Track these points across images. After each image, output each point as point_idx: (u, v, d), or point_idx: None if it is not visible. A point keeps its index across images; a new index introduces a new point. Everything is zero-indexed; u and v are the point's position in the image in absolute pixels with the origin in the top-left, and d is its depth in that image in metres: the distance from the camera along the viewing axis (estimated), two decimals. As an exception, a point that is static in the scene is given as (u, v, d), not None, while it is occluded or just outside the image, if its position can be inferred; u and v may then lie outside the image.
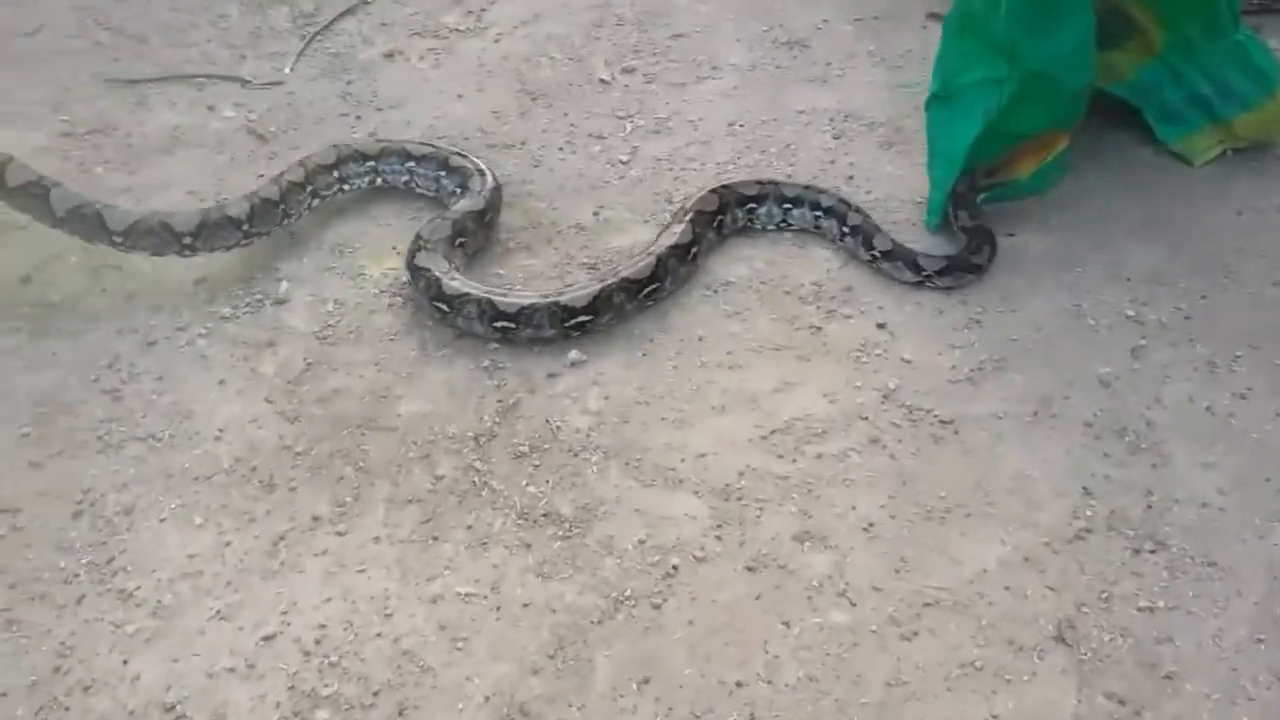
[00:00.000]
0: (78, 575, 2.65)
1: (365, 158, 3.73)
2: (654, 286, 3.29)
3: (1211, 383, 3.03)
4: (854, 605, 2.56)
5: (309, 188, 3.61)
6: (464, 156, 3.73)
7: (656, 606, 2.57)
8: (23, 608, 2.58)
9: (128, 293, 3.41)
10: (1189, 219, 3.55)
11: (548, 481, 2.83)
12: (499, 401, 3.03)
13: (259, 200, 3.48)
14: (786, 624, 2.53)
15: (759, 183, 3.62)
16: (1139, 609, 2.54)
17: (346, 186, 3.71)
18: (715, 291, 3.36)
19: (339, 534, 2.73)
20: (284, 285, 3.39)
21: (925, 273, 3.31)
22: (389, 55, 4.46)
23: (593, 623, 2.54)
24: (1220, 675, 2.42)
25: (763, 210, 3.56)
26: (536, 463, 2.88)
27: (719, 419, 2.97)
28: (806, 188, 3.58)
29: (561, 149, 3.96)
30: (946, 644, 2.48)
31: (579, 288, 3.24)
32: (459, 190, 3.62)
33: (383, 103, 4.20)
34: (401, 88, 4.27)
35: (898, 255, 3.35)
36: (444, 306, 3.21)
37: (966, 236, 3.39)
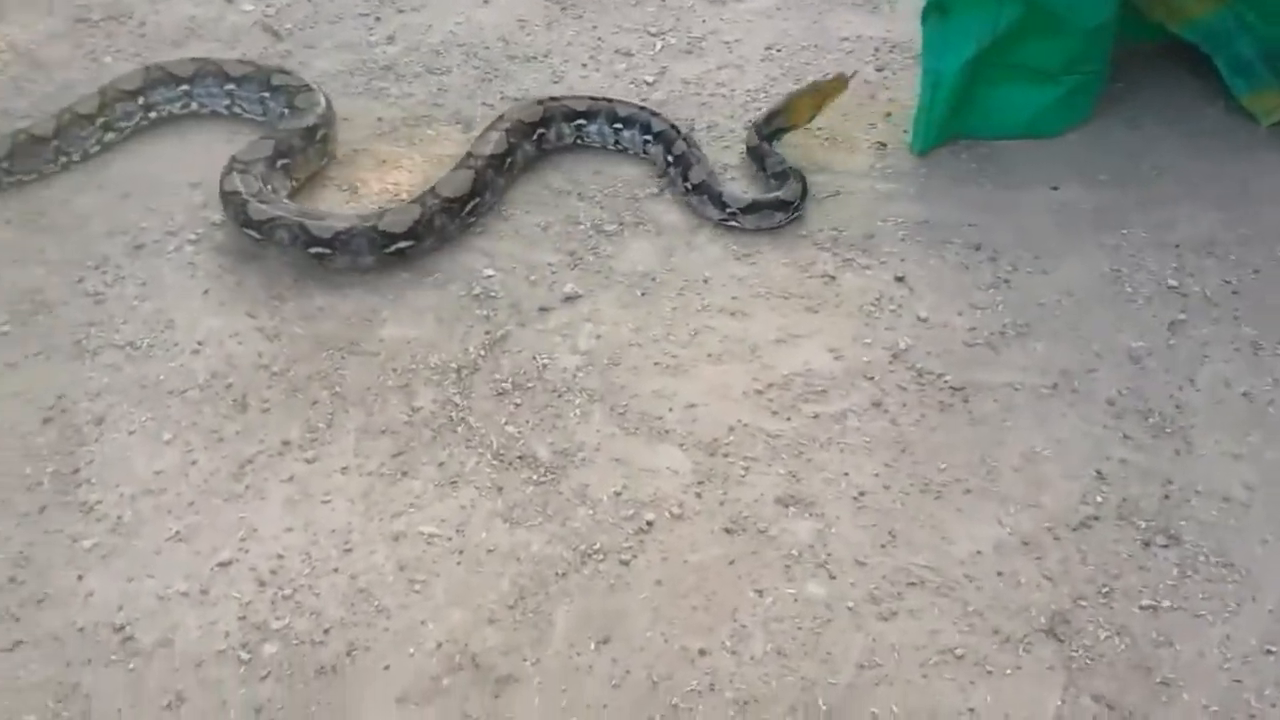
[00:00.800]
0: (41, 484, 2.58)
1: (178, 80, 3.49)
2: (475, 202, 3.13)
3: (1253, 366, 2.80)
4: (833, 578, 2.41)
5: (100, 120, 3.38)
6: (287, 74, 3.48)
7: (625, 563, 2.44)
8: (-17, 513, 2.53)
9: (123, 191, 3.30)
10: (1251, 183, 3.27)
11: (527, 422, 2.70)
12: (486, 333, 2.89)
13: (26, 137, 3.27)
14: (759, 592, 2.39)
15: (591, 99, 3.44)
16: (1141, 607, 2.36)
17: (153, 114, 3.49)
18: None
19: (307, 461, 2.63)
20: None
21: (729, 210, 3.14)
22: (421, -48, 4.26)
23: (557, 575, 2.42)
24: (1221, 685, 2.25)
25: (593, 128, 3.40)
26: (518, 401, 2.74)
27: (714, 368, 2.81)
28: (641, 109, 3.40)
29: (585, 65, 3.76)
30: (927, 627, 2.33)
31: (398, 211, 3.05)
32: (286, 111, 3.39)
33: (405, 4, 4.02)
34: (428, -12, 4.08)
35: (704, 189, 3.18)
36: (253, 232, 3.01)
37: (778, 182, 3.22)
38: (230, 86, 3.50)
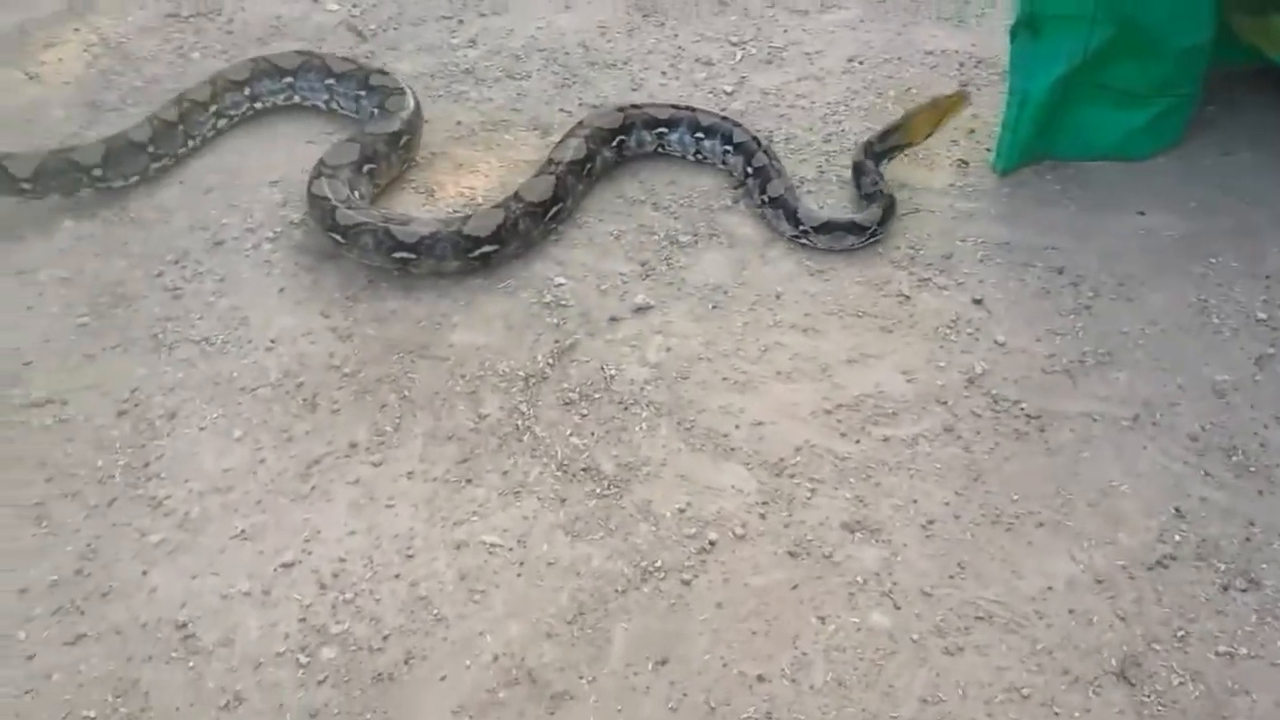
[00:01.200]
0: (113, 476, 2.63)
1: (282, 73, 3.56)
2: (557, 208, 3.12)
3: (1344, 405, 2.70)
4: (898, 609, 2.36)
5: (212, 107, 3.46)
6: (385, 75, 3.50)
7: (686, 583, 2.41)
8: (55, 503, 2.57)
9: (205, 186, 3.35)
10: (1349, 214, 3.15)
11: (593, 434, 2.68)
12: (556, 342, 2.88)
13: (159, 122, 3.34)
14: (822, 619, 2.35)
15: (674, 107, 3.40)
16: (1217, 653, 2.28)
17: (259, 104, 3.57)
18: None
19: (373, 464, 2.64)
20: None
21: (802, 227, 3.09)
22: (504, -45, 4.27)
23: (617, 591, 2.40)
24: (1299, 740, 2.17)
25: (674, 136, 3.37)
26: (584, 412, 2.73)
27: (784, 386, 2.77)
28: (723, 119, 3.36)
29: (665, 73, 3.73)
30: (993, 664, 2.28)
31: (482, 215, 3.04)
32: (376, 111, 3.41)
33: (487, 7, 4.03)
34: (510, -8, 4.09)
35: (780, 204, 3.13)
36: (338, 237, 3.02)
37: (866, 202, 3.16)
38: (330, 81, 3.55)
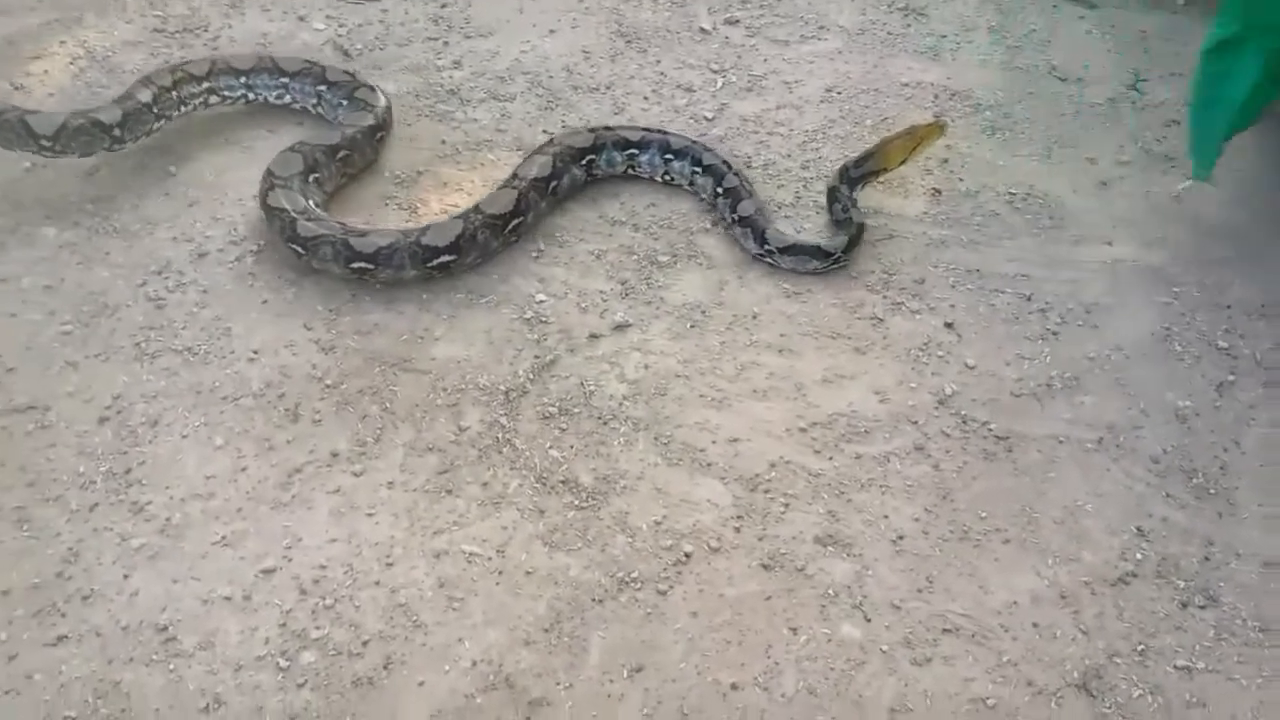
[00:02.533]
0: (94, 482, 2.64)
1: (282, 72, 3.68)
2: (518, 221, 3.19)
3: (1301, 431, 2.79)
4: (868, 621, 2.42)
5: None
6: (372, 90, 3.59)
7: (662, 593, 2.46)
8: (37, 508, 2.59)
9: (190, 199, 3.38)
10: (1311, 247, 3.26)
11: (571, 447, 2.73)
12: (536, 357, 2.93)
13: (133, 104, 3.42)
14: (794, 630, 2.40)
15: (644, 129, 3.49)
16: (1176, 667, 2.36)
17: (250, 95, 3.69)
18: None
19: (354, 474, 2.67)
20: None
21: (769, 247, 3.17)
22: (489, -21, 4.34)
23: (594, 600, 2.45)
24: (1254, 753, 2.24)
25: (645, 158, 3.45)
26: (563, 426, 2.78)
27: (759, 404, 2.83)
28: (693, 143, 3.45)
29: (646, 98, 3.80)
30: (960, 675, 2.34)
31: (441, 226, 3.10)
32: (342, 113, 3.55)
33: (473, 30, 4.09)
34: (495, 15, 4.15)
35: (750, 223, 3.21)
36: (298, 248, 3.08)
37: (837, 228, 3.25)
38: (321, 89, 3.66)
